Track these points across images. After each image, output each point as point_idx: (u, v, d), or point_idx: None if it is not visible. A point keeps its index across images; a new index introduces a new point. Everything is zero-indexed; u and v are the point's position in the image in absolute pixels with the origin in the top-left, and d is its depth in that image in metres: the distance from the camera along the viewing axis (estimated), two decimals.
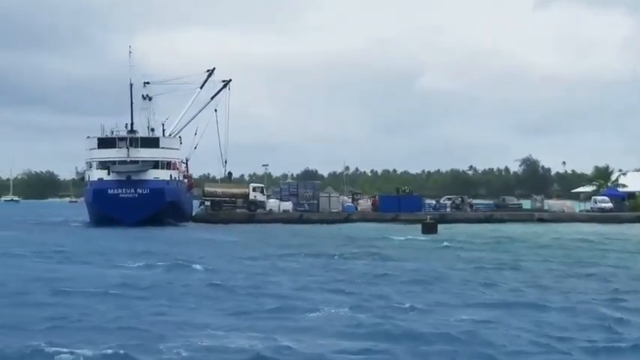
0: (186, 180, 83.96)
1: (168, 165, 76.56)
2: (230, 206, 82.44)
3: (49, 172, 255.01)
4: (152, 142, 76.65)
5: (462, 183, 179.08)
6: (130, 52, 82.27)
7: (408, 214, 79.61)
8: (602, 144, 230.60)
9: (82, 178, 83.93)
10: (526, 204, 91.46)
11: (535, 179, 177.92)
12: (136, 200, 72.03)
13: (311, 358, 15.87)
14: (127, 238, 53.50)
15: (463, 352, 16.36)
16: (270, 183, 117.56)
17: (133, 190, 72.73)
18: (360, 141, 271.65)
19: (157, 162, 75.37)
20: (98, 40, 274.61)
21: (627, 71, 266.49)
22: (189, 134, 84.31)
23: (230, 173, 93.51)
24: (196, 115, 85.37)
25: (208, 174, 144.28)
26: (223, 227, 70.75)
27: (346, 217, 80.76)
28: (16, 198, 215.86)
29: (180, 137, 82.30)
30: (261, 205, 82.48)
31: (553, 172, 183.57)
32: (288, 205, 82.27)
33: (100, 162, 75.39)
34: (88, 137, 77.72)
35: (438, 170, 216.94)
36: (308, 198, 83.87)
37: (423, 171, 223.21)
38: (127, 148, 74.68)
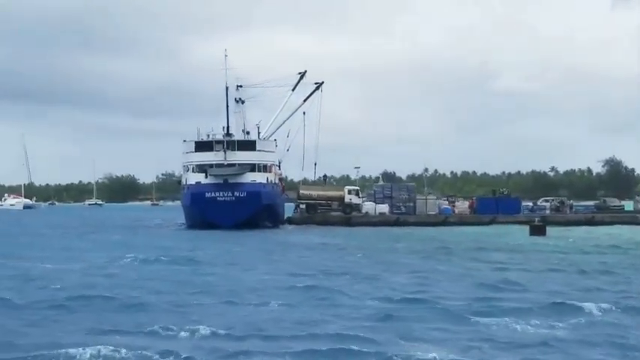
0: (279, 182, 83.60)
1: (264, 168, 76.22)
2: (325, 209, 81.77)
3: (129, 175, 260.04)
4: (249, 145, 76.48)
5: (543, 185, 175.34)
6: (226, 56, 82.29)
7: (505, 216, 78.05)
8: None
9: (179, 182, 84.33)
10: (627, 206, 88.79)
11: (618, 180, 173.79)
12: (233, 203, 71.71)
13: None
14: (245, 242, 52.51)
15: None
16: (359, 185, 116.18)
17: (230, 194, 72.42)
18: (438, 142, 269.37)
19: (254, 165, 75.04)
20: (172, 44, 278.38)
21: None
22: (282, 137, 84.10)
23: (325, 176, 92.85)
24: (289, 117, 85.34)
25: (285, 176, 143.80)
26: (322, 229, 69.74)
27: (443, 219, 79.23)
28: (99, 202, 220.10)
29: (275, 140, 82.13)
30: (357, 207, 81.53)
31: (637, 173, 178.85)
32: (384, 208, 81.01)
33: (198, 165, 75.46)
34: (185, 141, 77.76)
35: (519, 172, 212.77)
36: (404, 200, 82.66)
37: (503, 172, 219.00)
38: (224, 151, 74.47)
